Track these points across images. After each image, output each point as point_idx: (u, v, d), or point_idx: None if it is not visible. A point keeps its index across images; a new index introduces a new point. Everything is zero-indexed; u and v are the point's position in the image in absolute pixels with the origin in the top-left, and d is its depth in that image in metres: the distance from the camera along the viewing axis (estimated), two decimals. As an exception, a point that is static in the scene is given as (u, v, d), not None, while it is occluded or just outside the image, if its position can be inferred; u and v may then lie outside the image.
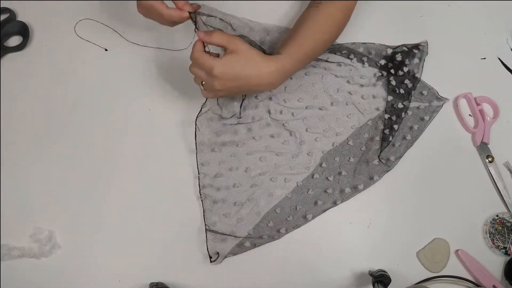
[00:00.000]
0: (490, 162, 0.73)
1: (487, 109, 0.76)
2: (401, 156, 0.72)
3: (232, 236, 0.66)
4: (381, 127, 0.73)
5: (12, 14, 0.77)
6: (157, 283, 0.63)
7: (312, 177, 0.70)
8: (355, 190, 0.70)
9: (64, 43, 0.76)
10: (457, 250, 0.68)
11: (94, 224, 0.67)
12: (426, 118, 0.74)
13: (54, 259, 0.66)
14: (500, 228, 0.69)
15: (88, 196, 0.69)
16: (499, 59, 0.79)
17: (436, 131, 0.74)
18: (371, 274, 0.64)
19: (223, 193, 0.68)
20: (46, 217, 0.67)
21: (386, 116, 0.73)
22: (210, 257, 0.65)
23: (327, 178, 0.70)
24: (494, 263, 0.69)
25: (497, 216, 0.70)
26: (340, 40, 0.74)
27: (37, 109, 0.73)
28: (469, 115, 0.76)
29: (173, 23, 0.61)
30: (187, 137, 0.71)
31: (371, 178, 0.70)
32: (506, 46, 0.80)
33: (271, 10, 0.79)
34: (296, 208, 0.69)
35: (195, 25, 0.61)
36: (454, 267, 0.68)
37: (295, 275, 0.67)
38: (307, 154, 0.71)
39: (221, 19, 0.65)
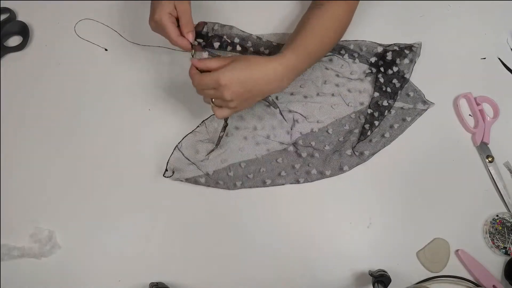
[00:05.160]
0: (490, 162, 0.73)
1: (487, 109, 0.76)
2: (376, 152, 0.72)
3: (194, 164, 0.68)
4: (362, 121, 0.73)
5: (12, 14, 0.77)
6: (157, 283, 0.63)
7: (286, 149, 0.71)
8: (322, 175, 0.70)
9: (64, 43, 0.77)
10: (457, 250, 0.68)
11: (94, 224, 0.67)
12: (408, 119, 0.74)
13: (54, 259, 0.66)
14: (500, 228, 0.69)
15: (88, 196, 0.69)
16: (499, 59, 0.79)
17: (436, 131, 0.74)
18: (371, 274, 0.64)
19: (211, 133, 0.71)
20: (46, 217, 0.67)
21: (369, 111, 0.73)
22: (166, 170, 0.67)
23: (300, 155, 0.71)
24: (494, 263, 0.69)
25: (497, 216, 0.70)
26: (349, 37, 0.74)
27: (37, 109, 0.73)
28: (469, 115, 0.76)
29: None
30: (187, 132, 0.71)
31: (341, 169, 0.71)
32: (506, 46, 0.80)
33: (271, 13, 0.79)
34: (259, 170, 0.70)
35: (193, 56, 0.62)
36: (454, 267, 0.68)
37: (295, 275, 0.67)
38: (286, 132, 0.72)
39: (222, 25, 0.65)
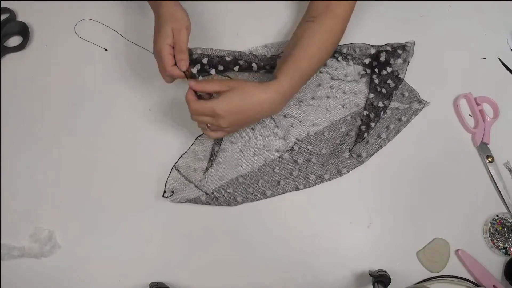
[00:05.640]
0: (490, 162, 0.73)
1: (487, 109, 0.76)
2: (373, 154, 0.72)
3: (192, 183, 0.68)
4: (358, 123, 0.73)
5: (12, 14, 0.77)
6: (157, 283, 0.63)
7: (281, 157, 0.71)
8: (321, 179, 0.70)
9: (64, 43, 0.77)
10: (457, 250, 0.68)
11: (94, 224, 0.67)
12: (404, 119, 0.74)
13: (54, 259, 0.66)
14: (500, 228, 0.69)
15: (88, 196, 0.69)
16: (499, 59, 0.79)
17: (436, 131, 0.74)
18: (371, 274, 0.64)
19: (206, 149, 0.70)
20: (46, 217, 0.67)
21: (365, 112, 0.73)
22: (165, 192, 0.67)
23: (296, 161, 0.70)
24: (494, 263, 0.69)
25: (497, 216, 0.70)
26: (342, 41, 0.74)
27: (37, 109, 0.73)
28: (469, 115, 0.76)
29: (170, 77, 0.62)
30: (187, 135, 0.71)
31: (339, 171, 0.71)
32: (506, 46, 0.80)
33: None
34: (258, 182, 0.69)
35: (187, 77, 0.62)
36: (454, 267, 0.68)
37: (295, 275, 0.67)
38: (282, 138, 0.71)
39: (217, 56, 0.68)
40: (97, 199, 0.69)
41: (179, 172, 0.68)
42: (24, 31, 0.76)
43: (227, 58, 0.72)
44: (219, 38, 0.77)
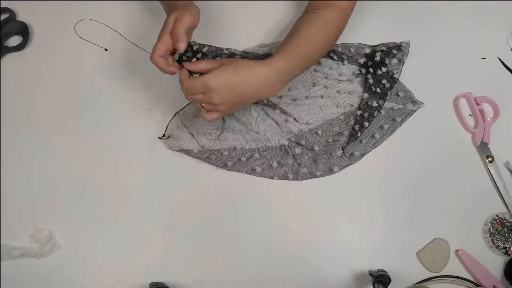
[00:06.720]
0: (490, 162, 0.73)
1: (487, 109, 0.76)
2: (366, 153, 0.72)
3: (190, 134, 0.69)
4: (352, 122, 0.73)
5: (12, 14, 0.77)
6: (157, 283, 0.63)
7: (282, 144, 0.71)
8: (312, 175, 0.70)
9: (64, 43, 0.77)
10: (457, 250, 0.68)
11: (94, 224, 0.67)
12: (398, 119, 0.74)
13: (54, 259, 0.66)
14: (500, 228, 0.69)
15: (88, 196, 0.69)
16: (499, 59, 0.79)
17: (436, 131, 0.74)
18: (371, 274, 0.64)
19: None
20: (46, 217, 0.67)
21: (359, 112, 0.73)
22: (164, 135, 0.69)
23: (293, 152, 0.71)
24: (494, 263, 0.69)
25: (497, 216, 0.70)
26: (338, 40, 0.74)
27: (37, 109, 0.73)
28: (469, 115, 0.76)
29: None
30: (187, 137, 0.71)
31: (331, 170, 0.71)
32: (506, 46, 0.80)
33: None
34: (253, 156, 0.70)
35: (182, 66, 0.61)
36: (454, 267, 0.68)
37: (295, 275, 0.67)
38: (277, 131, 0.72)
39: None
40: (97, 200, 0.69)
41: (180, 120, 0.69)
42: (24, 31, 0.76)
43: (223, 53, 0.73)
44: (219, 37, 0.76)
